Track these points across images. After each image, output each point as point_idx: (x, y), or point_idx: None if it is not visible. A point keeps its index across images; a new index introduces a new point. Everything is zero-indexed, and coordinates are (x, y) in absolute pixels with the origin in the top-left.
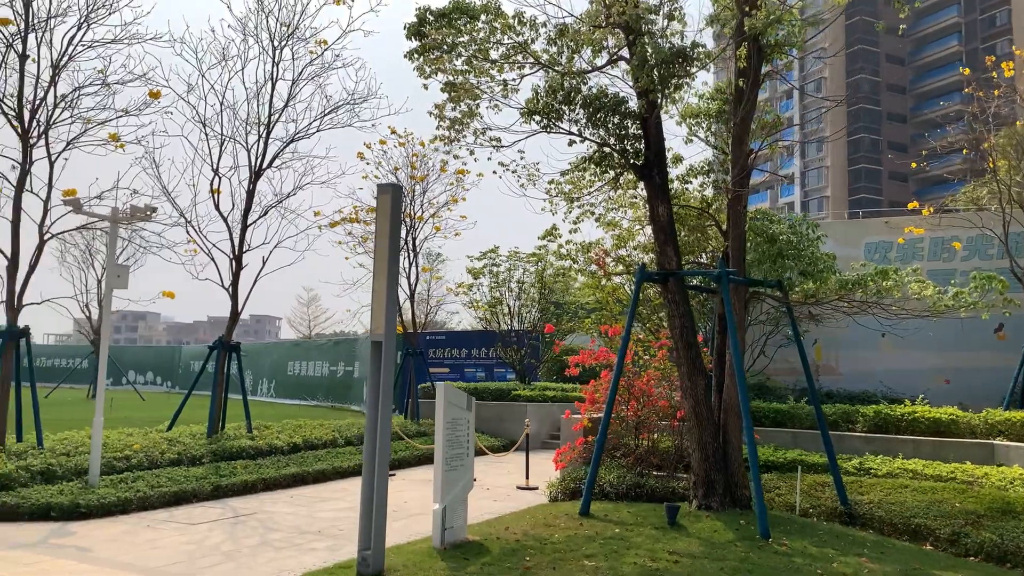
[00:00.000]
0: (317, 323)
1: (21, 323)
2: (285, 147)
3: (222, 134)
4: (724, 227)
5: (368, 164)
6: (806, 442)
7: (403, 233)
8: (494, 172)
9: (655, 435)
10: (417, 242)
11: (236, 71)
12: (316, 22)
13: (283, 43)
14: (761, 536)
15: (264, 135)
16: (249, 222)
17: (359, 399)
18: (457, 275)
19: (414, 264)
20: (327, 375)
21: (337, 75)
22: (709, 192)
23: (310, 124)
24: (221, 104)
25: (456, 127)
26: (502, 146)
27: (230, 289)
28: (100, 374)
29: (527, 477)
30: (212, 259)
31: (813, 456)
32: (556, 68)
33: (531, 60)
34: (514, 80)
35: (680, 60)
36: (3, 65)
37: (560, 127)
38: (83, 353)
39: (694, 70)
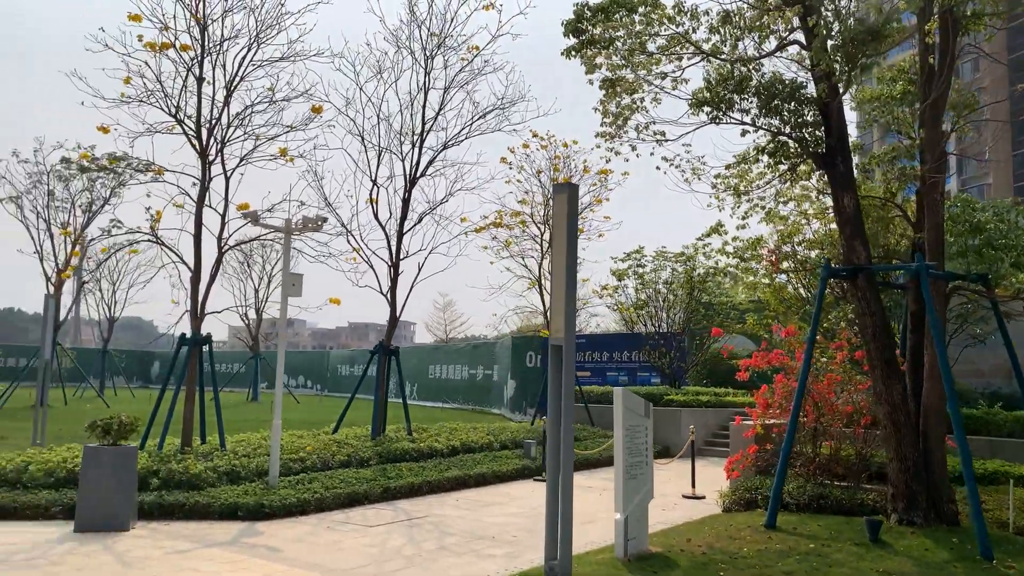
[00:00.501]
0: (452, 327)
1: (199, 331)
2: (437, 155)
3: (379, 145)
4: (915, 218)
5: (511, 168)
6: (1006, 451)
7: (546, 235)
8: (657, 168)
9: (835, 443)
10: None
11: (390, 83)
12: (466, 29)
13: (434, 52)
14: (982, 557)
15: (419, 144)
16: (405, 229)
17: (498, 402)
18: (600, 277)
19: None
20: (466, 378)
21: (487, 80)
22: (891, 181)
23: (460, 131)
24: (378, 116)
25: (618, 122)
26: (666, 140)
27: (388, 295)
28: (278, 380)
29: (693, 486)
30: (371, 266)
31: (1018, 467)
32: (720, 56)
33: (691, 51)
34: (673, 72)
35: (869, 38)
36: (184, 89)
37: (731, 117)
38: (240, 359)
39: (884, 49)
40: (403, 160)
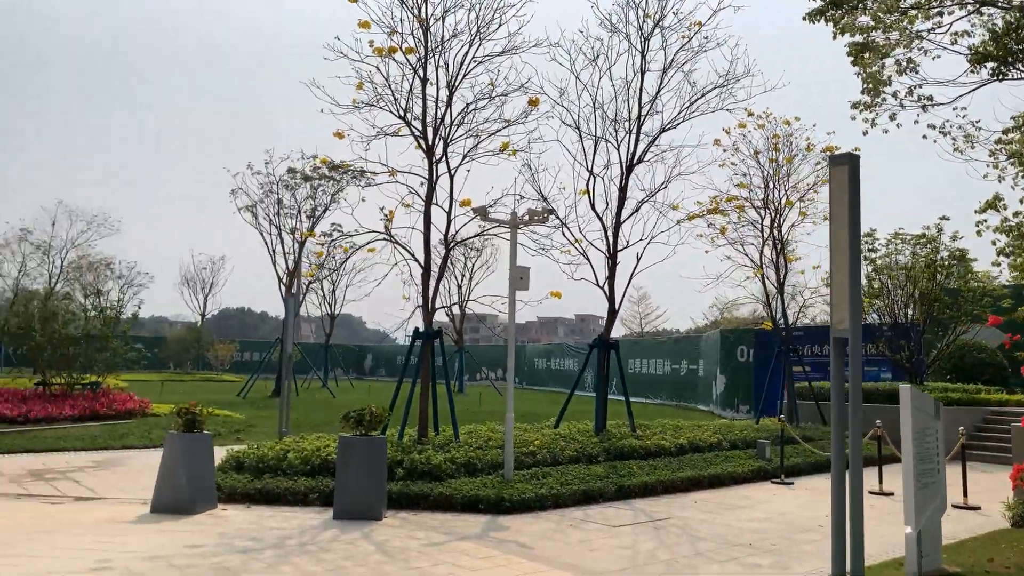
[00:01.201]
0: (648, 321)
1: (431, 325)
2: (655, 140)
3: (594, 134)
4: None
5: (724, 151)
6: None
7: (767, 222)
8: (924, 137)
9: None
10: (783, 230)
11: (605, 70)
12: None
13: (650, 33)
14: None
15: (635, 130)
16: (622, 219)
17: (706, 399)
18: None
19: (781, 254)
20: (669, 373)
21: (707, 58)
22: None
23: (679, 113)
24: (593, 104)
25: (878, 88)
26: (933, 104)
27: (605, 287)
28: (509, 373)
29: (965, 495)
30: (587, 258)
31: None
32: (998, 4)
33: (958, 2)
34: (931, 30)
35: None
36: (410, 92)
37: (1019, 70)
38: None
39: None
40: (618, 148)
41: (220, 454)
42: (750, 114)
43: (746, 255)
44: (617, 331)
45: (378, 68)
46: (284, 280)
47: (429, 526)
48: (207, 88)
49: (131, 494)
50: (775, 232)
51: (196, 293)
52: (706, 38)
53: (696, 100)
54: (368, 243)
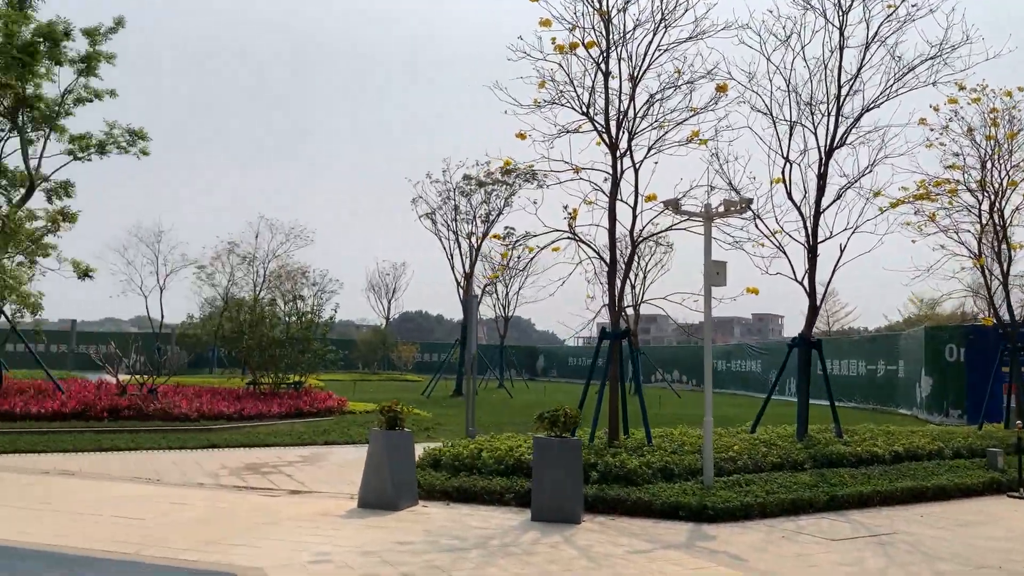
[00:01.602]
0: (836, 318)
1: (618, 324)
2: (856, 121)
3: (789, 119)
4: None
5: (932, 130)
6: None
7: (985, 206)
8: None
9: None
10: (1005, 215)
11: (798, 51)
12: None
13: (850, 6)
14: None
15: (835, 112)
16: (822, 208)
17: (908, 402)
18: None
19: (1004, 241)
20: (864, 374)
21: (915, 27)
22: None
23: (883, 91)
24: (787, 87)
25: None
26: None
27: (804, 282)
28: (707, 375)
29: None
30: (783, 251)
31: None
32: None
33: None
34: None
35: None
36: (592, 87)
37: None
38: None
39: None
40: (815, 132)
41: (415, 451)
42: (961, 88)
43: (961, 243)
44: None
45: (560, 65)
46: (462, 283)
47: (630, 532)
48: (390, 98)
49: (337, 488)
50: (995, 217)
51: (381, 298)
52: (915, 5)
53: (904, 75)
54: (552, 242)
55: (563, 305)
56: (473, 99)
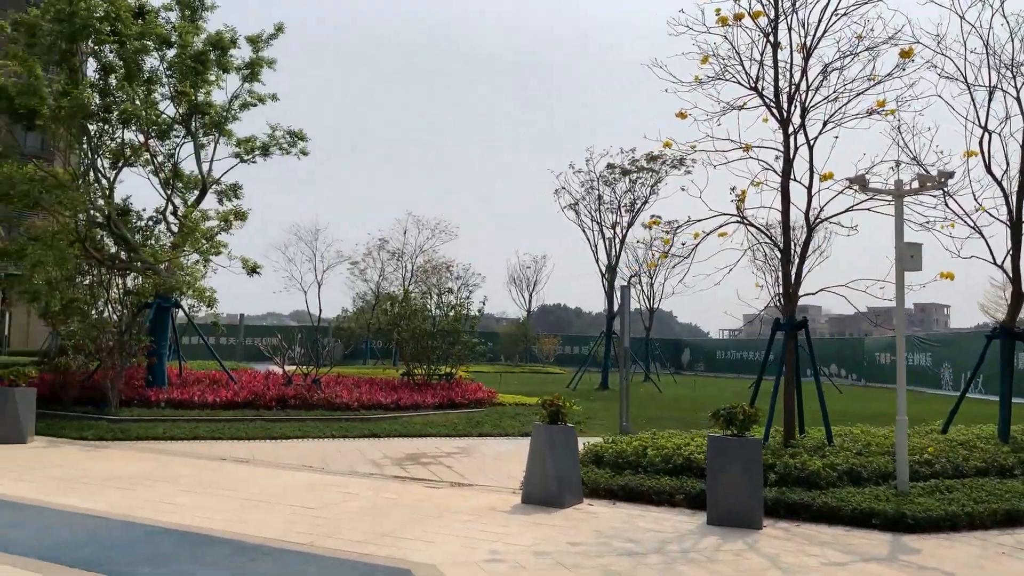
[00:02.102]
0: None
1: (793, 314)
2: None
3: (988, 84)
4: None
5: None
6: None
7: None
8: None
9: None
10: None
11: (997, 7)
12: None
13: None
14: None
15: None
16: None
17: None
18: None
19: None
20: None
21: None
22: None
23: None
24: (986, 49)
25: None
26: None
27: (1006, 265)
28: (899, 369)
29: None
30: (979, 232)
31: None
32: None
33: None
34: None
35: None
36: (760, 60)
37: None
38: (752, 346)
39: None
40: (1018, 97)
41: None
42: None
43: None
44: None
45: (726, 37)
46: (605, 275)
47: (820, 541)
48: (528, 88)
49: (498, 482)
50: None
51: (522, 291)
52: None
53: None
54: (720, 227)
55: (711, 297)
56: (619, 85)
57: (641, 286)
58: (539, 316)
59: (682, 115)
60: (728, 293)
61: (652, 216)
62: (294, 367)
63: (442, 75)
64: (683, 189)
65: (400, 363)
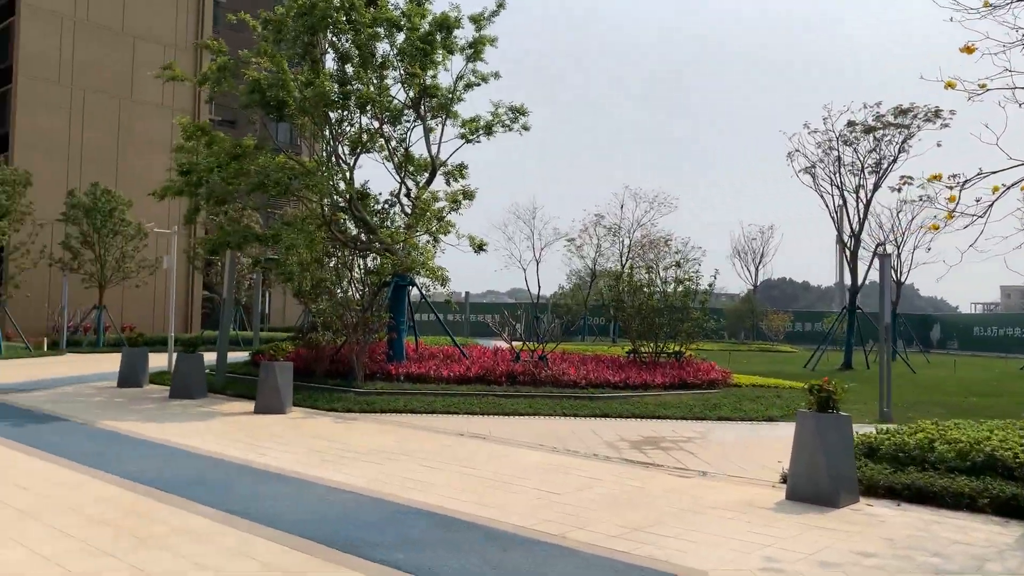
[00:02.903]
0: None
1: None
2: None
3: None
4: None
5: None
6: None
7: None
8: None
9: None
10: None
11: None
12: None
13: None
14: None
15: None
16: None
17: None
18: None
19: None
20: None
21: None
22: None
23: None
24: None
25: None
26: None
27: None
28: None
29: None
30: None
31: None
32: None
33: None
34: None
35: None
36: None
37: None
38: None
39: None
40: None
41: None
42: None
43: None
44: None
45: None
46: (848, 244)
47: None
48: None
49: (749, 472)
50: None
51: (747, 264)
52: None
53: None
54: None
55: (965, 268)
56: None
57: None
58: (762, 291)
59: (968, 49)
60: (987, 265)
61: (902, 177)
62: (520, 343)
63: (666, 40)
64: (939, 144)
65: (620, 340)
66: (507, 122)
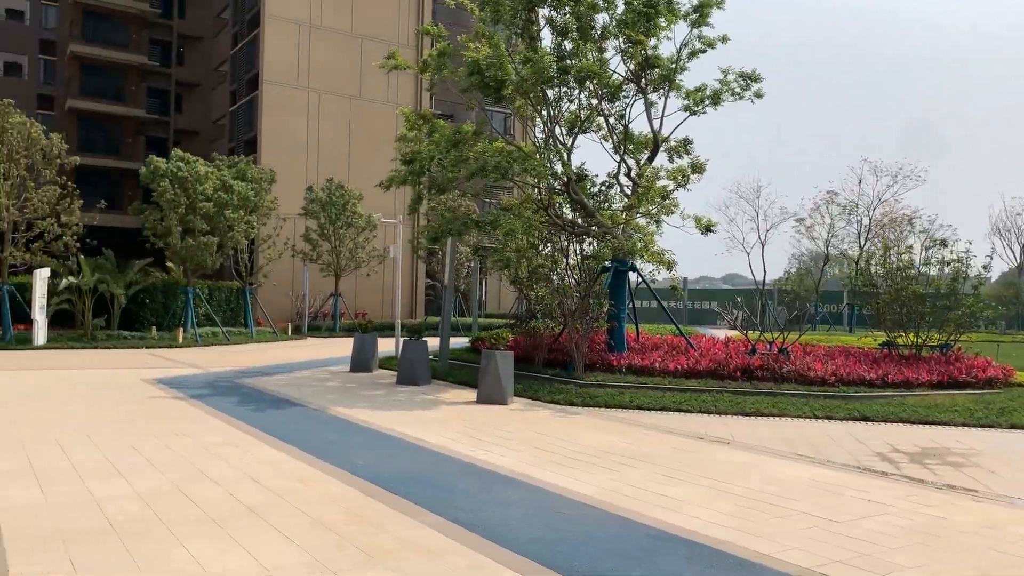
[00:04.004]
0: None
1: None
2: None
3: None
4: None
5: None
6: None
7: None
8: None
9: None
10: None
11: None
12: None
13: None
14: None
15: None
16: None
17: None
18: None
19: None
20: None
21: None
22: None
23: None
24: None
25: None
26: None
27: None
28: None
29: None
30: None
31: None
32: None
33: None
34: None
35: None
36: None
37: None
38: None
39: None
40: None
41: None
42: None
43: None
44: None
45: None
46: None
47: None
48: None
49: None
50: None
51: (1010, 243)
52: None
53: None
54: None
55: None
56: None
57: None
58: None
59: None
60: None
61: None
62: (758, 334)
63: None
64: None
65: (858, 329)
66: (737, 90)
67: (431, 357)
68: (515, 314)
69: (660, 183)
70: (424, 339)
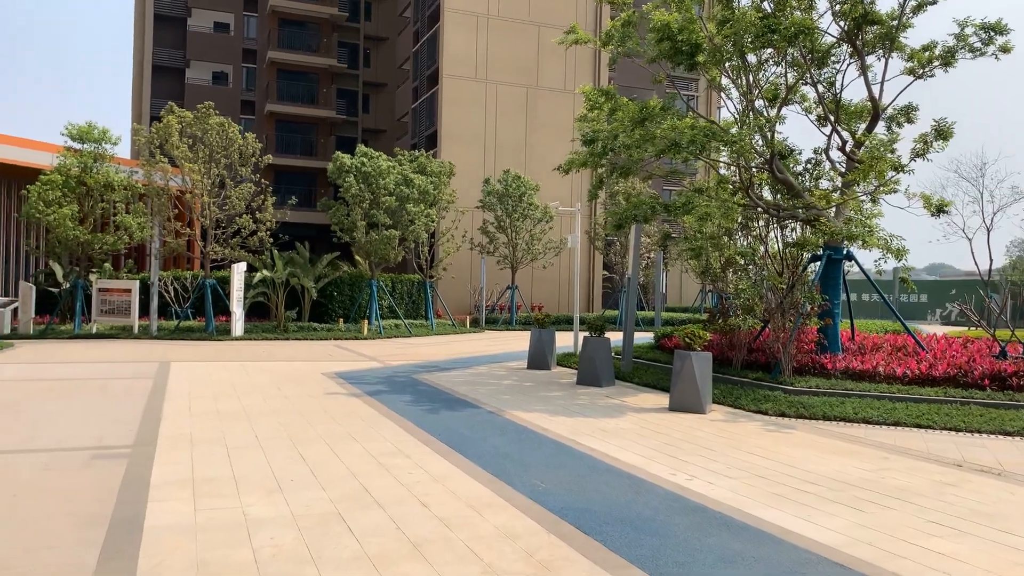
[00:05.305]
0: None
1: None
2: None
3: None
4: None
5: None
6: None
7: None
8: None
9: None
10: None
11: None
12: None
13: None
14: None
15: None
16: None
17: None
18: None
19: None
20: None
21: None
22: None
23: None
24: None
25: None
26: None
27: None
28: None
29: None
30: None
31: None
32: None
33: None
34: None
35: None
36: None
37: None
38: None
39: None
40: None
41: None
42: None
43: None
44: None
45: None
46: None
47: None
48: None
49: None
50: None
51: None
52: None
53: None
54: None
55: None
56: None
57: None
58: None
59: None
60: None
61: None
62: (1010, 333)
63: None
64: None
65: None
66: (978, 45)
67: (613, 355)
68: (712, 309)
69: (891, 155)
70: (607, 337)
